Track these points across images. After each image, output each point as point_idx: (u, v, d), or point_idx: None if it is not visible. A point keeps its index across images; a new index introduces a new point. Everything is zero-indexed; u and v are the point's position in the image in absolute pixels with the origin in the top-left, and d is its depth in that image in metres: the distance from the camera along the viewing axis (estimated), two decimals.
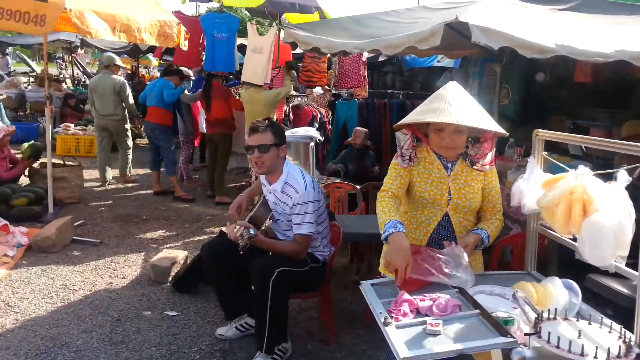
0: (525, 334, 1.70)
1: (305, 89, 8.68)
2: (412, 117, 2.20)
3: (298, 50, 7.89)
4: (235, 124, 6.77)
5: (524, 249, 3.47)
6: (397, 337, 1.70)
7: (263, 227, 3.14)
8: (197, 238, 5.23)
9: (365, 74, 8.01)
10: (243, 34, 8.42)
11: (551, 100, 8.49)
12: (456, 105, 2.08)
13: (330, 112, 7.76)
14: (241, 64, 6.76)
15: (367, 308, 3.59)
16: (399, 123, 2.27)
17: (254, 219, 3.09)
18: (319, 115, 7.34)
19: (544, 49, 2.80)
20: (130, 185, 7.32)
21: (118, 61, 7.36)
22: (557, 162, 2.23)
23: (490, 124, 2.13)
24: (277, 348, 2.98)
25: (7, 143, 5.68)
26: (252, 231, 2.74)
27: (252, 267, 2.89)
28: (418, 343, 1.69)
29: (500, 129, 2.16)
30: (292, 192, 2.98)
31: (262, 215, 3.13)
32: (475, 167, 2.26)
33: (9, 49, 29.62)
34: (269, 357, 2.93)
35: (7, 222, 4.64)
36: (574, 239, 1.95)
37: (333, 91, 8.23)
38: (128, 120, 7.31)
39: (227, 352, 3.11)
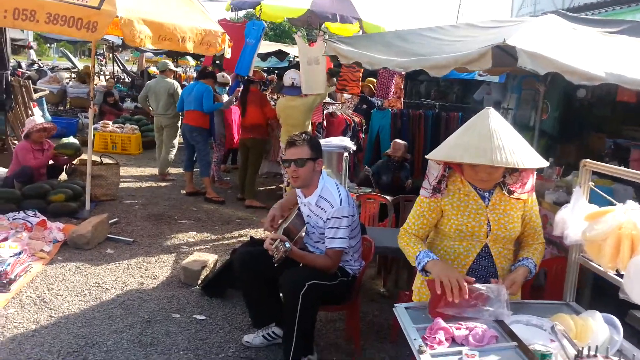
0: None
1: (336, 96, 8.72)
2: (445, 153, 2.09)
3: None
4: (269, 130, 6.83)
5: (559, 274, 3.41)
6: None
7: (296, 238, 3.14)
8: (227, 241, 5.27)
9: (402, 86, 7.97)
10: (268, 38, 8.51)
11: (591, 117, 8.27)
12: (493, 141, 1.96)
13: (364, 120, 7.73)
14: (274, 70, 6.85)
15: (394, 323, 3.57)
16: (431, 155, 2.15)
17: (288, 230, 3.09)
18: (352, 124, 7.31)
19: (592, 77, 2.72)
20: (163, 184, 7.44)
21: (171, 66, 8.11)
22: (601, 192, 2.17)
23: (530, 159, 2.00)
24: None
25: (41, 138, 5.81)
26: (288, 245, 2.75)
27: (283, 279, 2.89)
28: None
29: (540, 162, 2.03)
30: (327, 206, 2.98)
31: (296, 227, 3.13)
32: (513, 196, 2.16)
33: (53, 44, 30.59)
34: None
35: (45, 218, 4.78)
36: (619, 274, 1.88)
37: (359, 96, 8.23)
38: (180, 121, 7.64)
39: None
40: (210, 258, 4.34)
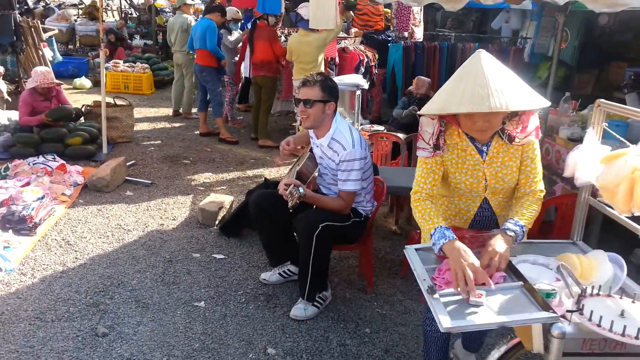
0: (568, 311, 1.71)
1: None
2: (438, 106, 1.94)
3: None
4: (280, 67, 6.71)
5: (569, 212, 3.43)
6: (439, 306, 1.74)
7: (308, 181, 3.19)
8: (242, 182, 5.36)
9: (418, 18, 7.68)
10: None
11: (613, 44, 7.96)
12: (489, 85, 1.82)
13: (377, 55, 7.55)
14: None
15: (405, 259, 3.68)
16: (424, 110, 2.00)
17: (300, 172, 3.13)
18: (365, 59, 7.16)
19: (614, 3, 2.61)
20: (177, 125, 7.48)
21: (188, 0, 7.95)
22: (614, 134, 2.14)
23: (530, 100, 1.89)
24: (318, 296, 3.11)
25: (49, 92, 5.72)
26: (301, 190, 2.80)
27: (297, 222, 2.97)
28: (460, 313, 1.73)
29: (541, 102, 1.91)
30: (339, 149, 2.99)
31: (308, 169, 3.17)
32: (515, 142, 2.04)
33: None
34: (310, 304, 3.07)
35: (64, 162, 4.89)
36: (633, 218, 1.90)
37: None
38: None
39: (270, 297, 3.27)
40: (226, 199, 4.44)
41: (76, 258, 3.57)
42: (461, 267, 1.82)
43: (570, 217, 3.35)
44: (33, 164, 4.77)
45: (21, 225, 3.76)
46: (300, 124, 6.29)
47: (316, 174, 3.24)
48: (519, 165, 2.10)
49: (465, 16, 12.12)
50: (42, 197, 4.12)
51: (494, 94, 1.81)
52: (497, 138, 2.07)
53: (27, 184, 4.41)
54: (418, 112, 2.04)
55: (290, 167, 3.48)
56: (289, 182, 2.89)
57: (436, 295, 1.80)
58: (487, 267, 1.88)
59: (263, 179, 5.14)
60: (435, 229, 1.99)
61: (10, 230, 3.73)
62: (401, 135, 5.16)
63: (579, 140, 4.28)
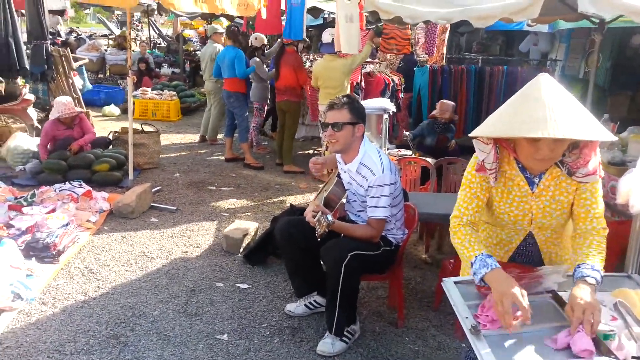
0: (633, 357, 1.52)
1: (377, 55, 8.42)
2: (499, 128, 1.74)
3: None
4: (307, 92, 6.69)
5: (611, 240, 3.21)
6: (484, 348, 1.58)
7: (336, 207, 3.06)
8: (267, 208, 5.27)
9: (444, 41, 7.60)
10: None
11: None
12: (557, 111, 1.65)
13: (403, 79, 7.46)
14: (308, 29, 6.61)
15: (437, 290, 3.49)
16: (478, 133, 1.82)
17: (328, 199, 3.01)
18: (391, 83, 7.08)
19: None
20: (202, 151, 7.48)
21: (219, 30, 8.11)
22: None
23: (597, 131, 1.70)
24: (346, 330, 2.94)
25: (71, 121, 5.77)
26: (330, 217, 2.66)
27: (325, 250, 2.84)
28: (508, 355, 1.56)
29: (608, 135, 1.72)
30: (368, 174, 2.87)
31: (336, 196, 3.04)
32: (575, 177, 1.85)
33: (89, 10, 30.79)
34: (337, 339, 2.90)
35: (90, 188, 4.87)
36: None
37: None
38: None
39: (296, 330, 3.11)
40: (251, 226, 4.34)
41: (98, 287, 3.49)
42: (507, 296, 1.64)
43: (613, 245, 3.15)
44: (59, 191, 4.77)
45: (45, 252, 3.72)
46: (327, 149, 6.23)
47: (344, 201, 3.11)
48: (570, 202, 1.92)
49: (490, 40, 12.03)
50: (67, 224, 4.09)
51: (559, 119, 1.64)
52: (552, 170, 1.89)
53: (53, 210, 4.39)
54: (472, 134, 1.84)
55: (316, 193, 3.36)
56: (317, 209, 2.77)
57: (481, 336, 1.64)
58: (579, 324, 1.60)
59: (288, 205, 5.04)
60: (476, 257, 1.84)
61: (34, 258, 3.68)
62: (430, 160, 5.01)
63: (620, 164, 4.07)
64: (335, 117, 2.89)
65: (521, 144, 1.83)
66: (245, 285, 3.61)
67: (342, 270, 2.73)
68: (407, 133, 5.68)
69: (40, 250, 3.73)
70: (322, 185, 3.32)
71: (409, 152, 5.48)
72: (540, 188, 1.91)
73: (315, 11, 11.53)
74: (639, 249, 2.09)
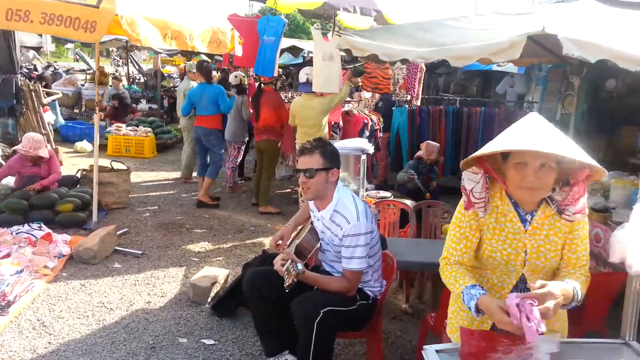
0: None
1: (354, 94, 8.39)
2: (488, 147, 1.72)
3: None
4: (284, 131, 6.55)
5: (602, 290, 3.06)
6: None
7: (309, 256, 2.86)
8: (240, 252, 5.02)
9: (421, 80, 7.62)
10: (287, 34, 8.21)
11: (622, 109, 7.81)
12: (545, 135, 1.67)
13: (381, 119, 7.41)
14: (288, 67, 6.57)
15: (419, 345, 3.27)
16: (468, 158, 1.79)
17: (300, 247, 2.81)
18: (370, 123, 7.00)
19: None
20: (175, 190, 7.22)
21: (194, 69, 7.92)
22: None
23: (588, 158, 1.67)
24: None
25: (39, 158, 5.47)
26: (299, 266, 2.46)
27: (296, 306, 2.61)
28: None
29: (600, 168, 1.70)
30: (343, 222, 2.68)
31: (309, 244, 2.85)
32: (564, 215, 1.80)
33: (70, 45, 30.80)
34: None
35: (50, 231, 4.58)
36: None
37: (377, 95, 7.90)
38: None
39: None
40: (221, 273, 4.09)
41: (49, 343, 3.18)
42: (501, 324, 1.65)
43: (601, 298, 2.99)
44: (16, 233, 4.47)
45: None
46: (302, 197, 6.06)
47: (318, 247, 2.91)
48: (563, 244, 1.85)
49: (468, 81, 12.18)
50: (21, 271, 3.79)
51: (550, 140, 1.65)
52: (544, 207, 1.84)
53: (8, 255, 4.08)
54: (462, 163, 1.83)
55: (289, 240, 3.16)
56: (287, 257, 2.56)
57: None
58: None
59: (262, 249, 4.81)
60: (462, 292, 1.81)
61: None
62: (409, 202, 4.86)
63: (603, 210, 3.97)
64: (308, 162, 2.72)
65: (510, 173, 1.78)
66: (211, 342, 3.33)
67: (315, 328, 2.50)
68: (412, 171, 5.58)
69: None
70: (294, 234, 3.13)
71: (387, 194, 5.33)
72: (534, 226, 1.85)
73: (295, 50, 11.60)
74: (635, 313, 1.91)
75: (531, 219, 1.84)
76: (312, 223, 2.97)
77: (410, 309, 3.99)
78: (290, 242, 3.07)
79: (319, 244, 2.87)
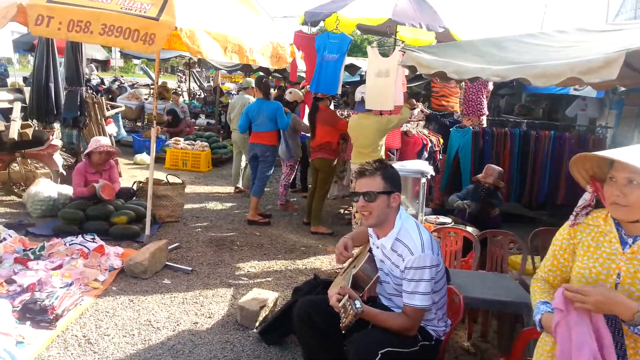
0: None
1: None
2: (591, 154, 1.79)
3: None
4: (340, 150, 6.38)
5: None
6: None
7: (366, 288, 2.62)
8: (290, 274, 4.83)
9: (486, 102, 7.25)
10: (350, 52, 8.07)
11: None
12: None
13: (441, 140, 7.09)
14: (344, 85, 6.44)
15: None
16: (576, 157, 1.82)
17: (357, 277, 2.58)
18: (429, 144, 6.70)
19: None
20: (229, 204, 7.17)
21: (252, 84, 8.19)
22: None
23: None
24: None
25: (101, 160, 5.58)
26: (358, 304, 2.21)
27: (351, 345, 2.37)
28: None
29: None
30: (406, 253, 2.44)
31: (367, 274, 2.61)
32: None
33: (137, 61, 32.19)
34: None
35: (103, 244, 4.57)
36: None
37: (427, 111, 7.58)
38: None
39: None
40: (270, 296, 3.90)
41: None
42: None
43: None
44: (70, 244, 4.47)
45: (41, 316, 3.36)
46: (355, 219, 5.82)
47: (377, 279, 2.67)
48: None
49: (534, 103, 11.60)
50: (71, 284, 3.75)
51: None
52: None
53: (60, 266, 4.08)
54: (571, 160, 1.84)
55: (343, 267, 2.93)
56: (343, 292, 2.33)
57: None
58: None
59: (314, 273, 4.61)
60: (535, 305, 1.89)
61: (29, 322, 3.33)
62: (471, 229, 4.54)
63: None
64: (368, 185, 2.49)
65: (605, 187, 1.77)
66: None
67: None
68: (454, 197, 5.23)
69: (37, 313, 3.37)
70: (348, 262, 2.90)
71: (447, 220, 5.01)
72: (634, 250, 1.74)
73: (351, 68, 11.47)
74: None
75: (633, 242, 1.74)
76: (370, 250, 2.74)
77: (473, 348, 3.66)
78: (345, 271, 2.85)
79: (377, 275, 2.63)
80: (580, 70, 2.30)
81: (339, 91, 6.29)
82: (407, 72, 4.75)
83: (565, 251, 1.91)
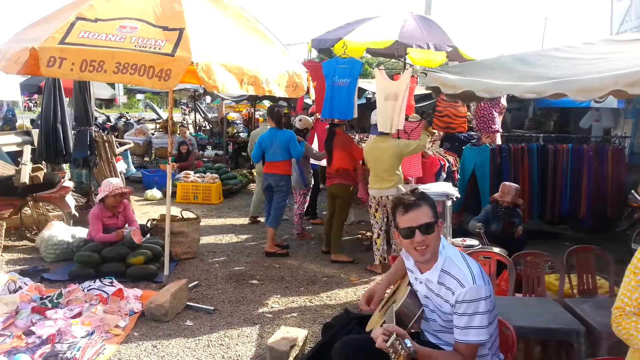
0: None
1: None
2: None
3: (417, 92, 7.33)
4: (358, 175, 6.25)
5: None
6: None
7: (410, 325, 2.44)
8: (315, 307, 4.64)
9: (499, 119, 7.13)
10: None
11: None
12: None
13: (458, 159, 6.96)
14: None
15: None
16: None
17: (400, 314, 2.41)
18: (447, 164, 6.56)
19: None
20: (244, 237, 7.02)
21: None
22: None
23: None
24: None
25: (116, 202, 5.46)
26: (409, 343, 2.01)
27: None
28: None
29: None
30: (455, 286, 2.27)
31: (410, 310, 2.44)
32: None
33: (140, 96, 32.45)
34: None
35: (122, 287, 4.41)
36: None
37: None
38: None
39: None
40: (300, 334, 3.72)
41: None
42: None
43: None
44: (88, 290, 4.32)
45: None
46: (379, 237, 5.66)
47: (421, 315, 2.49)
48: None
49: (544, 116, 11.48)
50: (92, 333, 3.59)
51: None
52: None
53: (79, 314, 3.92)
54: None
55: (381, 303, 2.75)
56: (390, 330, 2.14)
57: None
58: None
59: (339, 306, 4.44)
60: None
61: None
62: (497, 250, 4.36)
63: None
64: (419, 217, 2.32)
65: None
66: None
67: None
68: (479, 224, 5.04)
69: None
70: (387, 294, 2.73)
71: (474, 242, 4.84)
72: None
73: (358, 91, 11.43)
74: None
75: None
76: (410, 284, 2.57)
77: None
78: (383, 307, 2.68)
79: (422, 310, 2.46)
80: (627, 83, 2.17)
81: (355, 115, 6.19)
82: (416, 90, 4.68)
83: None
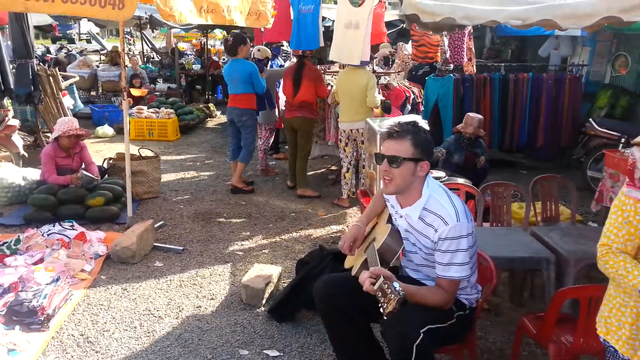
0: None
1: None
2: None
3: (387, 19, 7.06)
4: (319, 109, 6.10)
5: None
6: None
7: (392, 263, 2.44)
8: (286, 243, 4.64)
9: (472, 46, 7.02)
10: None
11: None
12: None
13: (422, 91, 6.89)
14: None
15: (514, 352, 2.89)
16: None
17: (382, 253, 2.39)
18: (412, 96, 6.49)
19: None
20: (206, 174, 6.85)
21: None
22: None
23: None
24: None
25: (71, 144, 5.13)
26: (397, 286, 1.97)
27: (388, 328, 2.20)
28: None
29: None
30: (438, 223, 2.25)
31: (392, 248, 2.42)
32: None
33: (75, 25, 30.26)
34: None
35: (84, 230, 4.23)
36: None
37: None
38: None
39: None
40: (274, 271, 3.71)
41: None
42: None
43: None
44: (48, 235, 4.13)
45: (31, 318, 3.07)
46: (347, 171, 5.63)
47: (401, 252, 2.49)
48: None
49: (502, 45, 11.46)
50: (57, 279, 3.45)
51: None
52: None
53: (41, 260, 3.75)
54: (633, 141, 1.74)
55: (360, 240, 2.72)
56: (377, 273, 2.09)
57: None
58: None
59: (309, 242, 4.45)
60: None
61: (18, 326, 3.04)
62: (462, 181, 4.42)
63: None
64: (394, 149, 2.27)
65: None
66: (276, 353, 2.98)
67: (414, 352, 2.11)
68: (440, 149, 5.09)
69: (25, 315, 3.08)
70: (369, 240, 2.69)
71: (441, 174, 4.87)
72: None
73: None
74: None
75: None
76: (390, 221, 2.55)
77: (486, 304, 3.59)
78: (362, 245, 2.65)
79: (402, 247, 2.45)
80: (621, 8, 2.09)
81: (322, 44, 5.92)
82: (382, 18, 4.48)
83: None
